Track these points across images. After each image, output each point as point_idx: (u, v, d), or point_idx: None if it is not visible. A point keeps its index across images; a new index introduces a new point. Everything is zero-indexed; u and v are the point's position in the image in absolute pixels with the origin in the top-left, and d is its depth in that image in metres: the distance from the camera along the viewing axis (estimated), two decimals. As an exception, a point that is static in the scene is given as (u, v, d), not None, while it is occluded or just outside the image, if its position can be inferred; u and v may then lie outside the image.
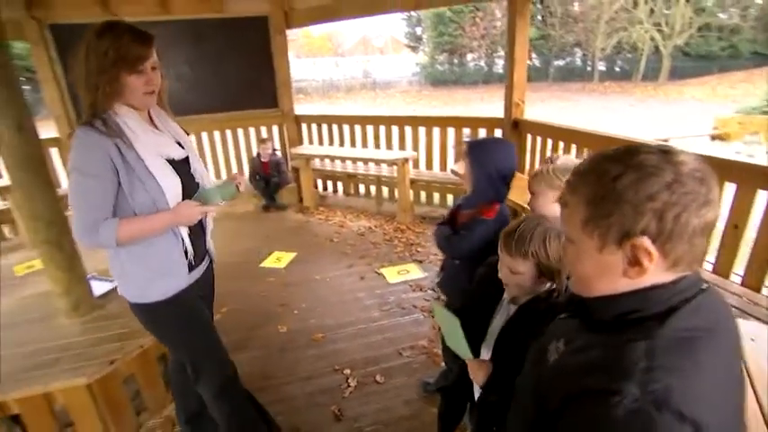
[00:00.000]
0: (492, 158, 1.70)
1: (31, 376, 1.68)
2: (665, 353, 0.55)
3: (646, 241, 0.58)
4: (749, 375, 1.16)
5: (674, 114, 14.64)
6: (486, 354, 1.10)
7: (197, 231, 1.49)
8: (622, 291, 0.63)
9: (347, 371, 2.29)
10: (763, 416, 1.06)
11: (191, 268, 1.45)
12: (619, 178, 0.58)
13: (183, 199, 1.37)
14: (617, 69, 28.66)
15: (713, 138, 10.54)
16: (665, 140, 5.94)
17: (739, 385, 0.62)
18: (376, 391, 2.15)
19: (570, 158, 1.52)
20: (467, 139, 4.62)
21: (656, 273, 0.60)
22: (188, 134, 1.55)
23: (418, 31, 31.34)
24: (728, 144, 9.83)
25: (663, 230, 0.57)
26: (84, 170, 1.20)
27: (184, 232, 1.40)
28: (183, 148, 1.44)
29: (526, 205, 2.48)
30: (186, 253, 1.42)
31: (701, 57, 25.67)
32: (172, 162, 1.36)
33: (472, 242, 1.70)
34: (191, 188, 1.42)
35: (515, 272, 1.06)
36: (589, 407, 0.57)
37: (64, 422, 1.78)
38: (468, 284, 1.41)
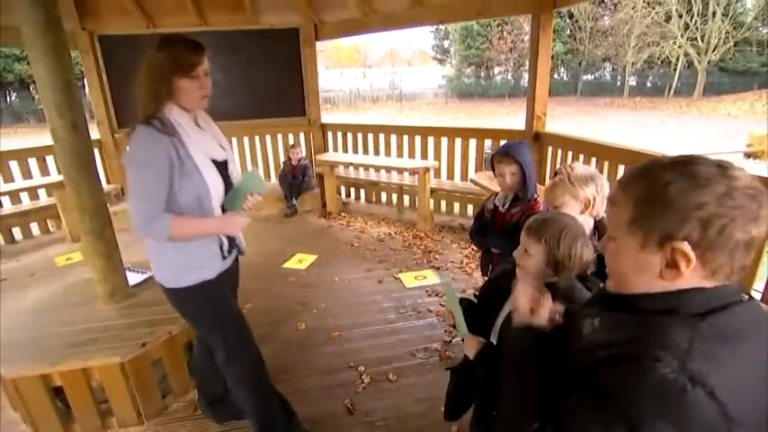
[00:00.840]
0: (531, 155, 1.91)
1: (72, 352, 1.84)
2: (706, 341, 0.58)
3: (686, 246, 0.60)
4: None
5: (707, 131, 14.23)
6: (494, 338, 1.17)
7: None
8: (657, 291, 0.66)
9: (361, 368, 2.36)
10: None
11: (223, 259, 1.58)
12: (670, 184, 0.61)
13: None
14: (648, 85, 28.11)
15: (747, 155, 10.19)
16: (694, 156, 5.83)
17: None
18: (388, 389, 2.22)
19: (584, 166, 1.56)
20: (488, 151, 4.67)
21: (692, 278, 0.62)
22: None
23: (446, 44, 31.59)
24: (763, 162, 9.50)
25: (705, 239, 0.59)
26: (146, 164, 1.32)
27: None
28: (223, 150, 1.56)
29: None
30: (222, 247, 1.55)
31: (739, 72, 24.91)
32: (214, 162, 1.48)
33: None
34: (228, 189, 1.54)
35: (527, 252, 1.13)
36: (626, 368, 0.60)
37: (100, 399, 1.92)
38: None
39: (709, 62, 23.53)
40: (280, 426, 1.76)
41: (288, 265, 3.75)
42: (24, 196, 4.65)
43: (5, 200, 4.55)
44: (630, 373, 0.59)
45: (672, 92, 24.93)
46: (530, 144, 2.07)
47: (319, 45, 5.33)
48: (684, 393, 0.55)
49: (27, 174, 4.69)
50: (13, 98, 25.06)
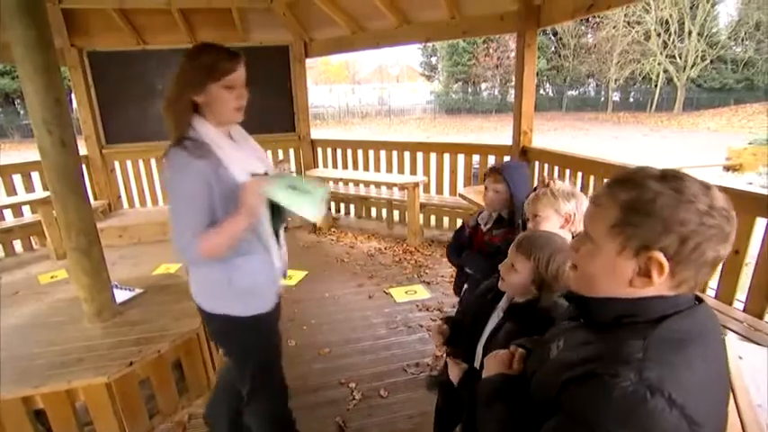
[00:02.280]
0: (526, 180, 1.84)
1: (56, 373, 1.79)
2: (659, 349, 0.61)
3: (662, 257, 0.63)
4: (733, 391, 1.21)
5: (688, 144, 14.64)
6: (479, 355, 1.18)
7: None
8: (621, 296, 0.68)
9: (352, 384, 2.35)
10: (744, 430, 1.11)
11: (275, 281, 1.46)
12: (659, 196, 0.62)
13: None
14: (631, 100, 28.88)
15: (726, 168, 10.49)
16: (676, 170, 5.99)
17: (725, 390, 0.67)
18: (380, 405, 2.20)
19: (565, 184, 1.57)
20: (476, 166, 4.74)
21: (658, 288, 0.65)
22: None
23: (433, 60, 32.15)
24: (741, 175, 9.78)
25: (680, 253, 0.62)
26: (181, 192, 1.25)
27: (274, 245, 1.41)
28: (262, 163, 1.46)
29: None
30: (275, 273, 1.44)
31: (716, 89, 25.78)
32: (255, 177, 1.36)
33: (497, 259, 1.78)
34: (269, 202, 1.39)
35: (514, 267, 1.14)
36: (589, 387, 0.62)
37: (83, 421, 1.88)
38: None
39: (687, 78, 24.33)
40: None
41: (278, 280, 3.72)
42: (8, 213, 4.56)
43: (-12, 217, 4.46)
44: (592, 392, 0.61)
45: (653, 107, 25.66)
46: (526, 166, 2.01)
47: (309, 62, 5.40)
48: (645, 403, 0.57)
49: (11, 190, 4.62)
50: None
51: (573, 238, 1.54)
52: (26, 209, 4.70)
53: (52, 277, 3.93)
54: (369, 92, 32.55)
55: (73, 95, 4.83)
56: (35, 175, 4.56)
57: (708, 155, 11.63)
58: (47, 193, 3.78)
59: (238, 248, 1.31)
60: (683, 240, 0.61)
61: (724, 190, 0.66)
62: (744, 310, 2.25)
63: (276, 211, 1.40)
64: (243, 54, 1.32)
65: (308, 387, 2.35)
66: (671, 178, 0.64)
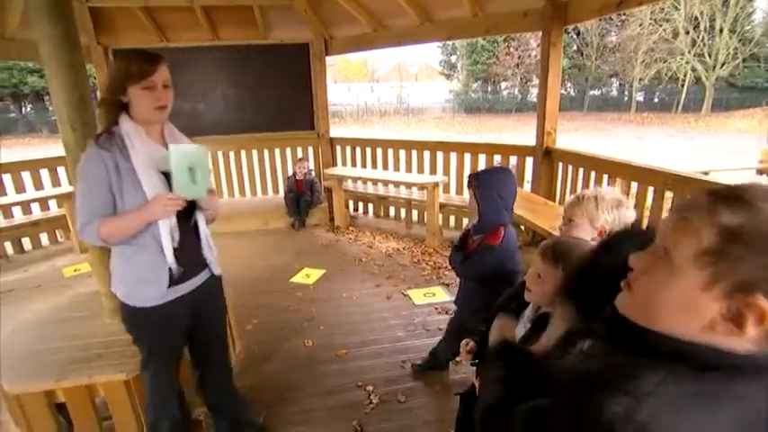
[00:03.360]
0: (494, 185, 1.86)
1: (77, 368, 1.81)
2: (675, 394, 0.51)
3: (766, 303, 0.49)
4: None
5: (717, 146, 14.13)
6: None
7: (189, 242, 1.55)
8: (686, 337, 0.54)
9: (370, 387, 2.31)
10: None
11: (175, 282, 1.51)
12: None
13: (177, 213, 1.45)
14: (655, 100, 28.10)
15: (759, 172, 10.08)
16: (706, 173, 5.75)
17: None
18: (397, 410, 2.16)
19: (615, 192, 1.45)
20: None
21: (744, 340, 0.51)
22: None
23: (453, 59, 31.88)
24: (776, 179, 9.39)
25: None
26: (82, 179, 1.40)
27: (167, 244, 1.46)
28: None
29: (553, 232, 2.48)
30: (168, 267, 1.48)
31: (748, 88, 24.84)
32: (166, 175, 1.44)
33: (481, 268, 1.89)
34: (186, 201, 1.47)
35: (541, 277, 1.09)
36: (583, 399, 0.56)
37: (103, 415, 1.89)
38: (481, 305, 1.46)
39: (716, 78, 23.52)
40: None
41: (295, 279, 3.72)
42: (35, 206, 4.68)
43: (17, 210, 4.58)
44: (582, 406, 0.55)
45: (680, 107, 24.88)
46: (509, 170, 2.01)
47: (328, 59, 5.38)
48: None
49: (39, 184, 4.73)
50: (28, 109, 25.59)
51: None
52: (52, 203, 4.82)
53: (75, 270, 4.01)
54: (387, 90, 32.46)
55: (98, 93, 4.92)
56: (61, 170, 4.67)
57: (738, 157, 11.22)
58: (72, 188, 3.87)
59: (132, 240, 1.43)
60: None
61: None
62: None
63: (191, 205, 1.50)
64: (165, 57, 1.45)
65: (326, 389, 2.32)
66: None
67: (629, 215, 1.39)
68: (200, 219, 1.59)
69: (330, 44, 5.18)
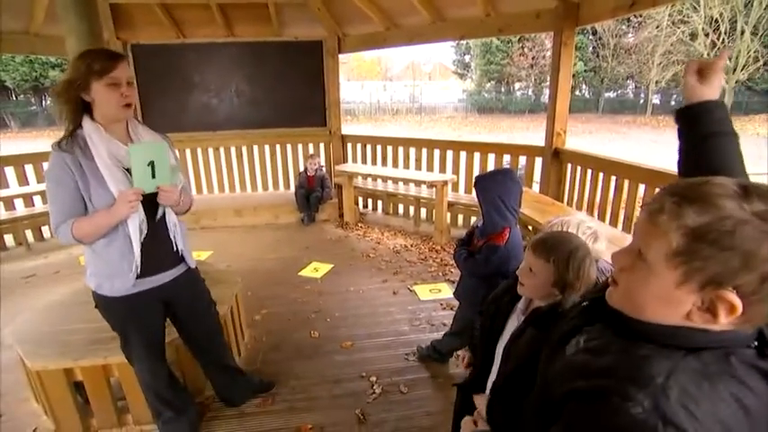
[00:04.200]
0: (495, 189, 1.88)
1: (94, 349, 1.90)
2: (686, 376, 0.52)
3: (735, 297, 0.52)
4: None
5: (734, 152, 13.84)
6: (498, 357, 1.16)
7: (159, 235, 1.61)
8: (671, 323, 0.57)
9: (373, 378, 2.37)
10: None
11: (144, 274, 1.58)
12: (741, 226, 0.50)
13: (144, 207, 1.50)
14: (672, 103, 27.59)
15: (777, 178, 9.90)
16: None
17: None
18: (399, 401, 2.22)
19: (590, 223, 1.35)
20: (507, 166, 4.67)
21: (720, 326, 0.55)
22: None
23: (466, 58, 31.74)
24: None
25: (759, 292, 0.51)
26: (50, 182, 1.45)
27: (135, 237, 1.51)
28: None
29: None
30: (135, 261, 1.54)
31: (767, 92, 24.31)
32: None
33: (486, 266, 1.91)
34: (152, 195, 1.52)
35: (533, 271, 1.12)
36: (595, 407, 0.55)
37: (118, 396, 1.98)
38: (480, 299, 1.50)
39: (736, 82, 23.04)
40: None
41: (304, 273, 3.79)
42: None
43: (37, 199, 4.74)
44: (598, 414, 0.54)
45: (697, 111, 24.41)
46: (513, 172, 2.04)
47: (342, 57, 5.45)
48: None
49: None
50: (49, 102, 26.16)
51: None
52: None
53: (92, 259, 4.13)
54: (400, 89, 32.50)
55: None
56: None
57: (757, 162, 11.00)
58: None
59: (104, 235, 1.50)
60: (765, 278, 0.50)
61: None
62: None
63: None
64: (125, 55, 1.47)
65: (330, 378, 2.39)
66: (754, 197, 0.51)
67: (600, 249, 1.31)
68: (169, 212, 1.63)
69: (343, 42, 5.24)
